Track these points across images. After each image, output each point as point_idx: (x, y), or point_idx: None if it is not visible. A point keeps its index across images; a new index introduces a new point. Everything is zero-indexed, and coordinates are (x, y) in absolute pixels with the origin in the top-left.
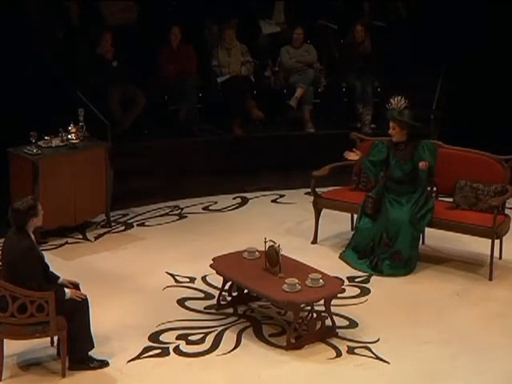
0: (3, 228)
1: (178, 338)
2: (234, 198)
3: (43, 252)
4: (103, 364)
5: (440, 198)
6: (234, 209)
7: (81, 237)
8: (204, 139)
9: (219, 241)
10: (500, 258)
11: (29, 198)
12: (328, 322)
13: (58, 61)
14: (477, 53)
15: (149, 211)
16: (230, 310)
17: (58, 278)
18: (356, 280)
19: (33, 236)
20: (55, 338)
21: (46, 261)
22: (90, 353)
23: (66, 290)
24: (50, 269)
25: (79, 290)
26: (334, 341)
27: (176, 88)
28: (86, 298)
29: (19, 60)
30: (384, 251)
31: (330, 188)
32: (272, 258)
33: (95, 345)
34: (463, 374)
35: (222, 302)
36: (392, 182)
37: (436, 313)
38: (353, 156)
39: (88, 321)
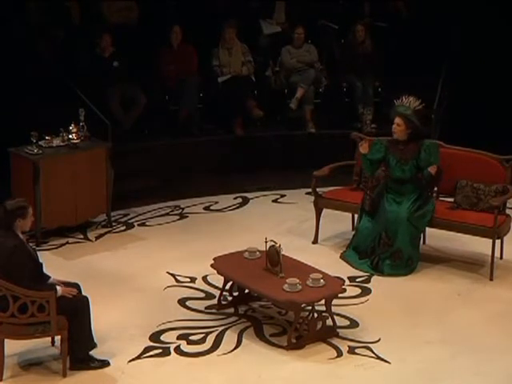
0: None
1: (179, 337)
2: (235, 198)
3: (38, 252)
4: (104, 364)
5: (441, 198)
6: (235, 209)
7: (82, 237)
8: (205, 139)
9: (220, 241)
10: (501, 257)
11: (22, 199)
12: (329, 321)
13: (58, 60)
14: (478, 52)
15: (149, 211)
16: (231, 310)
17: (49, 277)
18: (357, 280)
19: (22, 236)
20: (56, 338)
21: (40, 260)
22: (90, 352)
23: (58, 288)
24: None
25: (79, 290)
26: (335, 341)
27: (177, 88)
28: (87, 298)
29: (20, 60)
30: (384, 251)
31: (331, 188)
32: (273, 258)
33: (96, 344)
34: (464, 374)
35: (223, 302)
36: (392, 181)
37: (437, 313)
38: (363, 148)
39: (89, 320)
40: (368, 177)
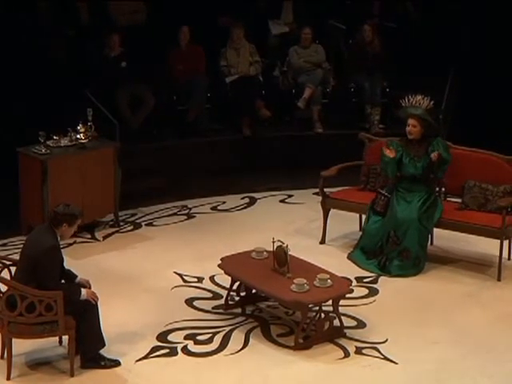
0: (11, 226)
1: (186, 337)
2: (243, 198)
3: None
4: (115, 363)
5: (448, 199)
6: (243, 209)
7: (89, 236)
8: (212, 139)
9: (227, 241)
10: (508, 258)
11: (78, 208)
12: (336, 322)
13: (66, 60)
14: (486, 52)
15: (157, 211)
16: (238, 310)
17: (76, 277)
18: (364, 280)
19: (59, 238)
20: (64, 337)
21: (65, 265)
22: (101, 352)
23: (83, 291)
24: (67, 267)
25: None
26: (342, 341)
27: (185, 88)
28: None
29: (28, 59)
30: (392, 249)
31: (339, 188)
32: (280, 258)
33: (105, 344)
34: (472, 375)
35: (230, 302)
36: (405, 179)
37: (444, 313)
38: (389, 152)
39: (98, 319)
40: (376, 178)
